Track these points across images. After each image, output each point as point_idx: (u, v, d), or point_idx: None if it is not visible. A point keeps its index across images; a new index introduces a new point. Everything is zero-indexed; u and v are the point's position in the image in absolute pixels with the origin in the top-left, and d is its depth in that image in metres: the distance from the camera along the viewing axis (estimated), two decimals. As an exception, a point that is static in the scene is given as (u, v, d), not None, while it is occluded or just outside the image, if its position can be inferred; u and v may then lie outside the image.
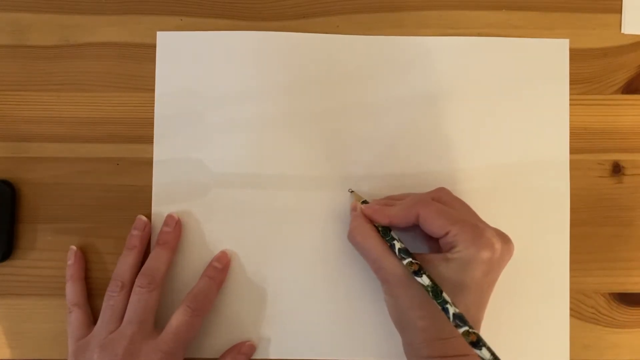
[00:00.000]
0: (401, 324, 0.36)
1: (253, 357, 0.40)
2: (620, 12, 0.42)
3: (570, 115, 0.41)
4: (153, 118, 0.41)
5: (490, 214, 0.40)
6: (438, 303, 0.33)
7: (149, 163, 0.41)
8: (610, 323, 0.41)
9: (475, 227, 0.35)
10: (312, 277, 0.41)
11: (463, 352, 0.34)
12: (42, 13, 0.41)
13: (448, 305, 0.32)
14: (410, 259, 0.35)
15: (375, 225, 0.37)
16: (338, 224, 0.41)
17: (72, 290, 0.39)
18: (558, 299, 0.41)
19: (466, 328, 0.32)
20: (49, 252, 0.41)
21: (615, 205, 0.42)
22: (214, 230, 0.41)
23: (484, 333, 0.36)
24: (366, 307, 0.40)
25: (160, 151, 0.41)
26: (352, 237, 0.38)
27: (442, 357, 0.34)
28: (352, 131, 0.41)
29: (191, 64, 0.41)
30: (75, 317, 0.38)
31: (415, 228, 0.37)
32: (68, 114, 0.41)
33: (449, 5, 0.42)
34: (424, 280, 0.34)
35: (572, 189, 0.41)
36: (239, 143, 0.41)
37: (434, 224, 0.35)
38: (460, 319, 0.32)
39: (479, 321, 0.35)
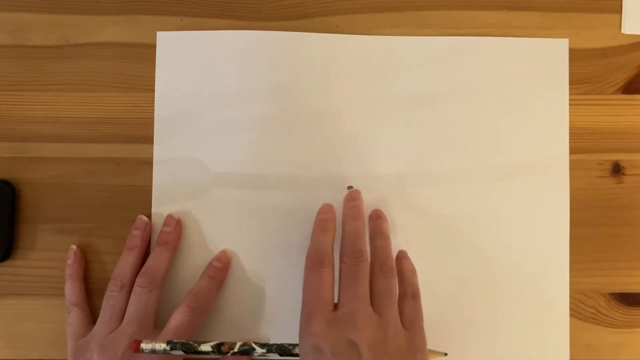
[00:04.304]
0: None
1: (253, 357, 0.40)
2: (620, 12, 0.42)
3: (570, 115, 0.41)
4: (153, 118, 0.41)
5: (489, 214, 0.41)
6: None
7: (149, 163, 0.41)
8: (610, 323, 0.41)
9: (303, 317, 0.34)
10: (312, 277, 0.41)
11: None
12: (42, 13, 0.41)
13: None
14: None
15: None
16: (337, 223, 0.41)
17: (71, 290, 0.39)
18: (558, 299, 0.41)
19: None
20: (49, 252, 0.41)
21: (615, 205, 0.42)
22: (214, 230, 0.41)
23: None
24: (366, 307, 0.40)
25: (160, 151, 0.41)
26: None
27: None
28: (351, 131, 0.41)
29: (191, 64, 0.41)
30: (74, 317, 0.38)
31: None
32: (68, 114, 0.41)
33: (449, 5, 0.42)
34: None
35: (572, 189, 0.41)
36: (239, 143, 0.41)
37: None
38: None
39: None
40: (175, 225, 0.40)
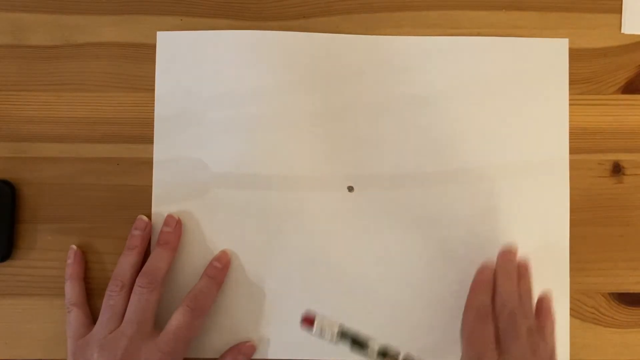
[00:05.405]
0: None
1: (253, 357, 0.40)
2: (620, 12, 0.42)
3: (570, 115, 0.41)
4: (153, 118, 0.41)
5: (490, 214, 0.41)
6: None
7: (149, 163, 0.41)
8: (611, 323, 0.41)
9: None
10: (311, 277, 0.41)
11: None
12: (42, 13, 0.41)
13: None
14: None
15: None
16: (338, 224, 0.41)
17: (71, 290, 0.39)
18: (558, 299, 0.41)
19: None
20: (49, 252, 0.41)
21: (615, 205, 0.42)
22: (214, 230, 0.41)
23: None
24: (366, 307, 0.40)
25: (160, 151, 0.41)
26: None
27: None
28: (352, 131, 0.41)
29: (191, 64, 0.41)
30: (74, 317, 0.38)
31: None
32: (68, 114, 0.41)
33: (449, 5, 0.42)
34: None
35: (572, 189, 0.41)
36: (239, 143, 0.41)
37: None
38: None
39: None
40: (176, 225, 0.40)
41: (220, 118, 0.41)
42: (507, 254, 0.39)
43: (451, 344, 0.40)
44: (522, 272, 0.39)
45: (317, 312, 0.32)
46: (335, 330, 0.33)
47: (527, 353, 0.34)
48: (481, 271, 0.39)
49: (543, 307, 0.39)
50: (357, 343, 0.33)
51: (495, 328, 0.36)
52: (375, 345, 0.33)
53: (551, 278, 0.41)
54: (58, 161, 0.41)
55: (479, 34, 0.42)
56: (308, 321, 0.33)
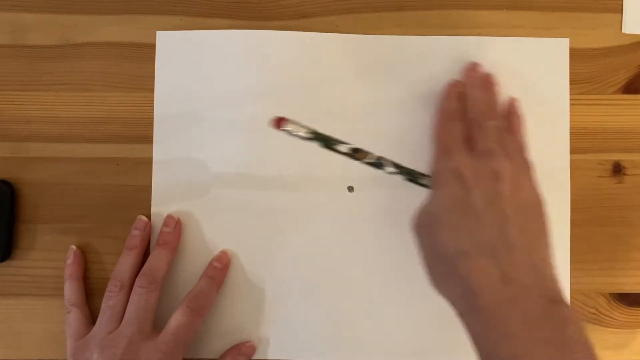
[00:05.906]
0: None
1: (253, 358, 0.40)
2: (621, 12, 0.42)
3: (570, 115, 0.41)
4: (153, 118, 0.41)
5: (490, 214, 0.40)
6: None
7: (149, 163, 0.41)
8: (611, 323, 0.41)
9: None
10: (312, 277, 0.41)
11: None
12: (42, 13, 0.41)
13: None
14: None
15: None
16: (338, 224, 0.41)
17: (71, 290, 0.39)
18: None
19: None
20: (49, 252, 0.41)
21: (615, 205, 0.41)
22: (214, 230, 0.41)
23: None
24: (366, 308, 0.40)
25: (160, 151, 0.41)
26: None
27: None
28: (351, 131, 0.41)
29: (191, 64, 0.41)
30: (73, 317, 0.38)
31: None
32: (68, 114, 0.41)
33: (449, 5, 0.42)
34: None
35: (572, 189, 0.41)
36: (239, 143, 0.41)
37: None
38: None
39: None
40: (175, 225, 0.40)
41: (220, 118, 0.41)
42: (473, 66, 0.41)
43: (454, 344, 0.40)
44: (488, 81, 0.40)
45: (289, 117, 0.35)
46: (306, 130, 0.35)
47: (494, 146, 0.36)
48: (450, 83, 0.40)
49: (511, 108, 0.40)
50: (328, 143, 0.35)
51: (464, 129, 0.37)
52: (345, 148, 0.36)
53: (551, 278, 0.41)
54: (58, 161, 0.41)
55: (479, 34, 0.42)
56: (278, 122, 0.34)
